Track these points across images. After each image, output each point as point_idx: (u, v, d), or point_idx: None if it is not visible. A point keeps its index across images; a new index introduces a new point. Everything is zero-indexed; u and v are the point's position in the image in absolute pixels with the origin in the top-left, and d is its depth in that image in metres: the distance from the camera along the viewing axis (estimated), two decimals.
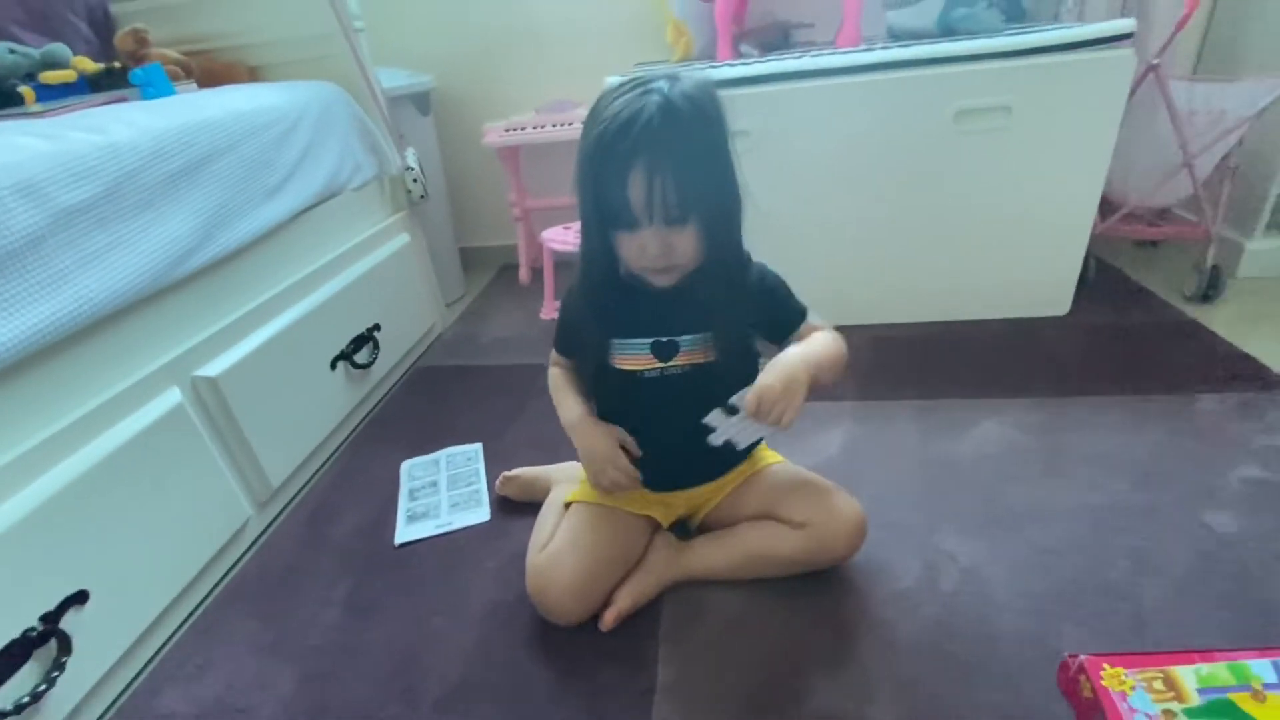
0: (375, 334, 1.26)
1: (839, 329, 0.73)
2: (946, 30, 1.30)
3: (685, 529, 0.85)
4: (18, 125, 0.79)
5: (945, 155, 1.21)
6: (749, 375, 0.66)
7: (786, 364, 0.65)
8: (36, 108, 0.95)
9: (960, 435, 1.00)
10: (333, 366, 1.14)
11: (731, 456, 0.78)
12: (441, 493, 1.01)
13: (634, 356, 0.72)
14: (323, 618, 0.82)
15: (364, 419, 1.25)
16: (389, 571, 0.88)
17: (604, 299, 0.72)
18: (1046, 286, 1.30)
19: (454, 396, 1.30)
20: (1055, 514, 0.84)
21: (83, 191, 0.74)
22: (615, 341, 0.73)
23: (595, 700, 0.67)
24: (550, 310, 1.57)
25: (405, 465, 1.09)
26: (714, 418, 0.67)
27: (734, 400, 0.65)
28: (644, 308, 0.71)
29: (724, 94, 0.64)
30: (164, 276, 0.84)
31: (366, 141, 1.32)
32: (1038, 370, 1.15)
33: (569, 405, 0.78)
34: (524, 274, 1.82)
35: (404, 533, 0.94)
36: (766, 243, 0.73)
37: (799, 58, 1.22)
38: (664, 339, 0.72)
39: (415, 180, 1.43)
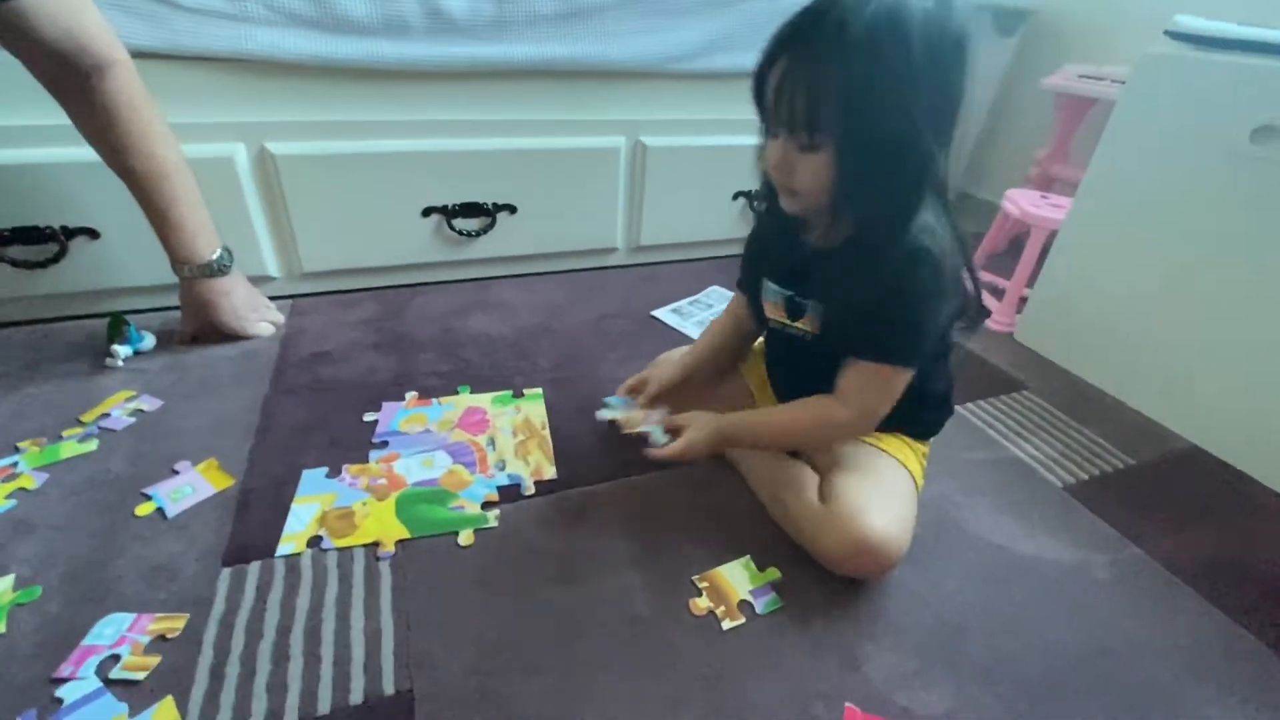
0: None
1: None
2: None
3: None
4: None
5: None
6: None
7: (710, 430, 0.69)
8: None
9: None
10: (734, 198, 1.40)
11: None
12: (704, 312, 1.21)
13: (772, 304, 0.69)
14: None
15: None
16: (636, 324, 1.17)
17: (769, 228, 0.69)
18: None
19: None
20: None
21: None
22: (766, 281, 0.69)
23: None
24: None
25: (714, 289, 1.31)
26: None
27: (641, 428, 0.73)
28: (798, 257, 0.64)
29: None
30: (665, 65, 1.21)
31: None
32: None
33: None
34: (990, 241, 1.60)
35: (660, 311, 1.20)
36: None
37: None
38: (798, 297, 0.66)
39: None
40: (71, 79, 0.79)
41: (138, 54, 0.85)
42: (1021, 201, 1.24)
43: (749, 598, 0.65)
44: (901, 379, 0.62)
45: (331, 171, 1.08)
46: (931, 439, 0.76)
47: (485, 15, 1.07)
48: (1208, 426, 0.93)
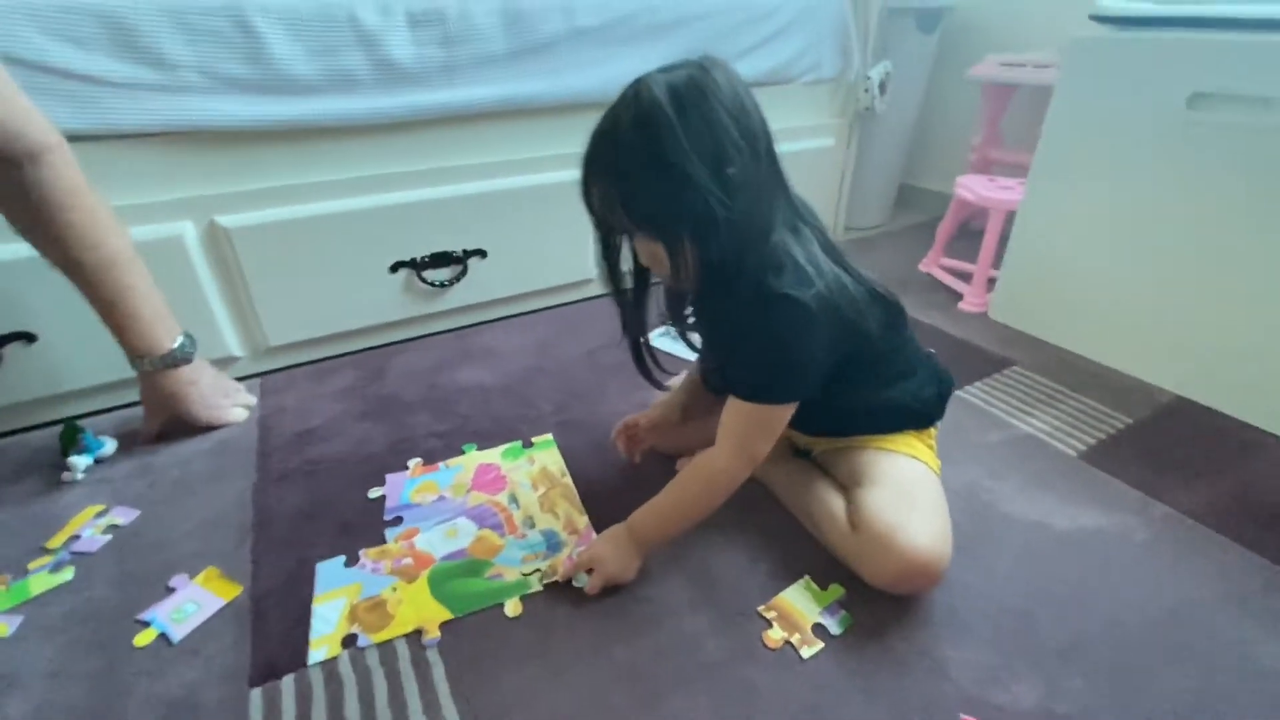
0: None
1: None
2: None
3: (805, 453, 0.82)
4: None
5: None
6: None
7: (616, 544, 0.67)
8: None
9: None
10: None
11: (833, 425, 0.73)
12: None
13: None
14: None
15: None
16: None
17: None
18: None
19: None
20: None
21: (595, 19, 1.13)
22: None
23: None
24: (932, 263, 1.45)
25: None
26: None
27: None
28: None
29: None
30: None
31: (838, 42, 1.42)
32: None
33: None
34: (944, 227, 1.67)
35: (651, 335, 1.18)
36: None
37: None
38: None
39: (867, 91, 1.47)
40: (3, 169, 0.72)
41: (67, 138, 0.78)
42: (975, 186, 1.29)
43: (820, 620, 0.63)
44: (772, 415, 0.62)
45: (288, 238, 1.02)
46: (937, 424, 0.75)
47: (434, 61, 1.04)
48: (1185, 376, 0.98)
